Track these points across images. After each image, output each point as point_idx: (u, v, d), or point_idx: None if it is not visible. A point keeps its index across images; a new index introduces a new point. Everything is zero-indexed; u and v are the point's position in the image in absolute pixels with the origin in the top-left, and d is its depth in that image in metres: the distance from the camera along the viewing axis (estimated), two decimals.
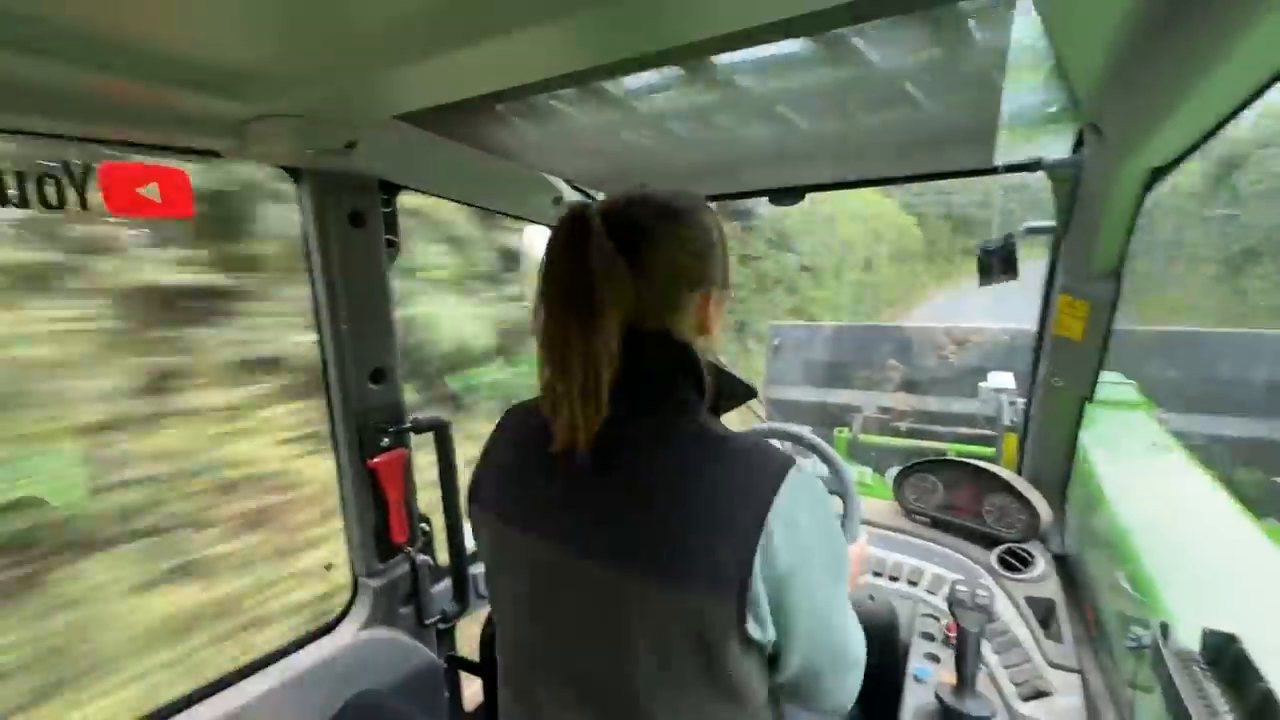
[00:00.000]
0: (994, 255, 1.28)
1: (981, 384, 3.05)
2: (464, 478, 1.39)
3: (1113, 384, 2.65)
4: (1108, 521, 1.34)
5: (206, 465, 2.46)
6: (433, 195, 1.38)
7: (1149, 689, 0.82)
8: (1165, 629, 0.80)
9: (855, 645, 0.71)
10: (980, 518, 1.48)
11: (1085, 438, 1.43)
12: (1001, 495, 1.46)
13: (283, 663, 1.19)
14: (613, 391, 0.62)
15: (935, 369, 5.08)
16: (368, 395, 1.27)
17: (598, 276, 0.60)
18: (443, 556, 1.44)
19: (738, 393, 0.74)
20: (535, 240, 1.67)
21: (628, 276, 0.62)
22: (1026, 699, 1.04)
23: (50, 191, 0.87)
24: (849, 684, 0.72)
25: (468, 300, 3.96)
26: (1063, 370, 1.33)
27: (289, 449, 2.74)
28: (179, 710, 1.05)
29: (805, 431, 1.33)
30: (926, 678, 1.11)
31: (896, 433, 4.67)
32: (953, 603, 1.02)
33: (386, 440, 1.30)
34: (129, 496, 2.25)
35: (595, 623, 0.63)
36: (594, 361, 0.61)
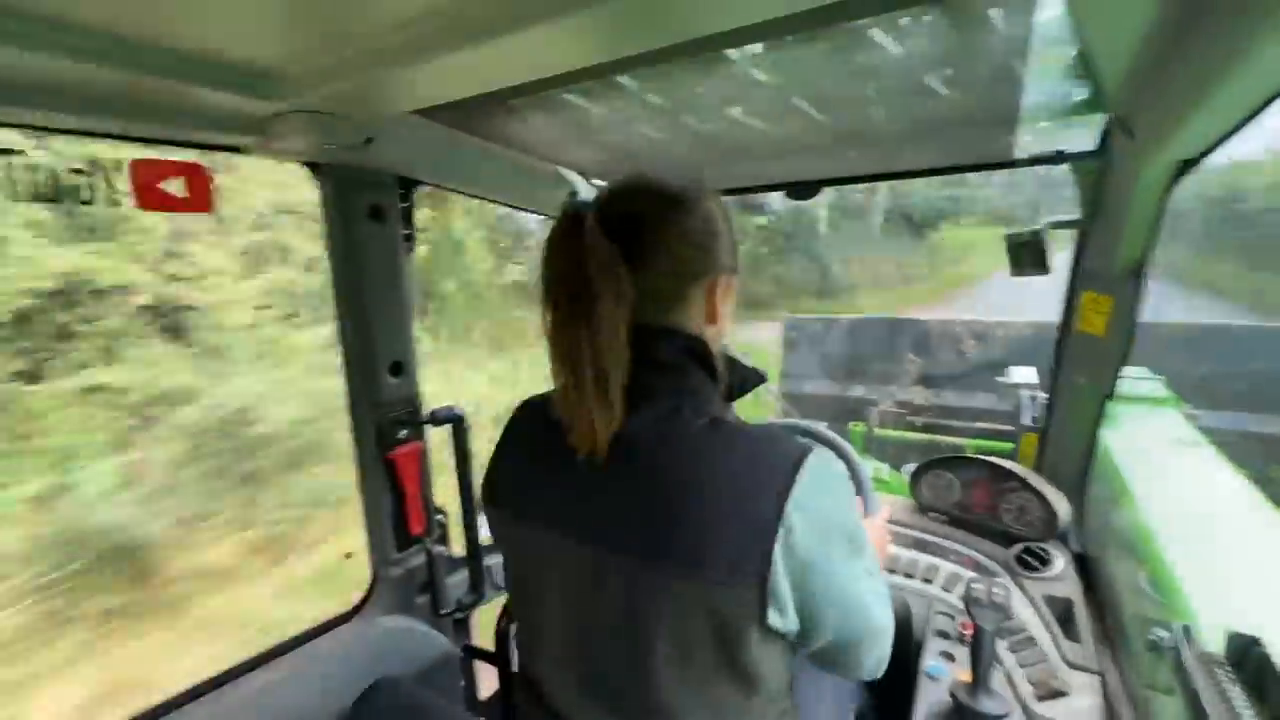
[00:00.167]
0: (1024, 247, 1.26)
1: (1001, 379, 3.00)
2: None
3: (1139, 379, 2.59)
4: (1130, 520, 1.31)
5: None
6: (448, 189, 1.39)
7: (1170, 691, 0.81)
8: (1188, 631, 0.79)
9: (882, 614, 0.70)
10: (998, 515, 1.46)
11: (1109, 434, 1.41)
12: (1020, 493, 1.44)
13: (303, 649, 1.22)
14: (626, 388, 0.62)
15: (954, 363, 5.01)
16: (386, 388, 1.29)
17: (595, 276, 0.59)
18: (459, 547, 1.46)
19: (749, 379, 0.74)
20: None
21: (627, 274, 0.61)
22: (1043, 699, 1.03)
23: (83, 187, 0.89)
24: (879, 651, 0.72)
25: None
26: (1085, 367, 1.30)
27: None
28: (201, 694, 1.09)
29: (813, 424, 1.32)
30: (941, 675, 1.10)
31: (913, 427, 4.62)
32: (968, 600, 1.02)
33: (404, 432, 1.32)
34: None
35: (612, 614, 0.64)
36: (603, 363, 0.60)
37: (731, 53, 0.84)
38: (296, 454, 4.50)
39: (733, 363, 0.71)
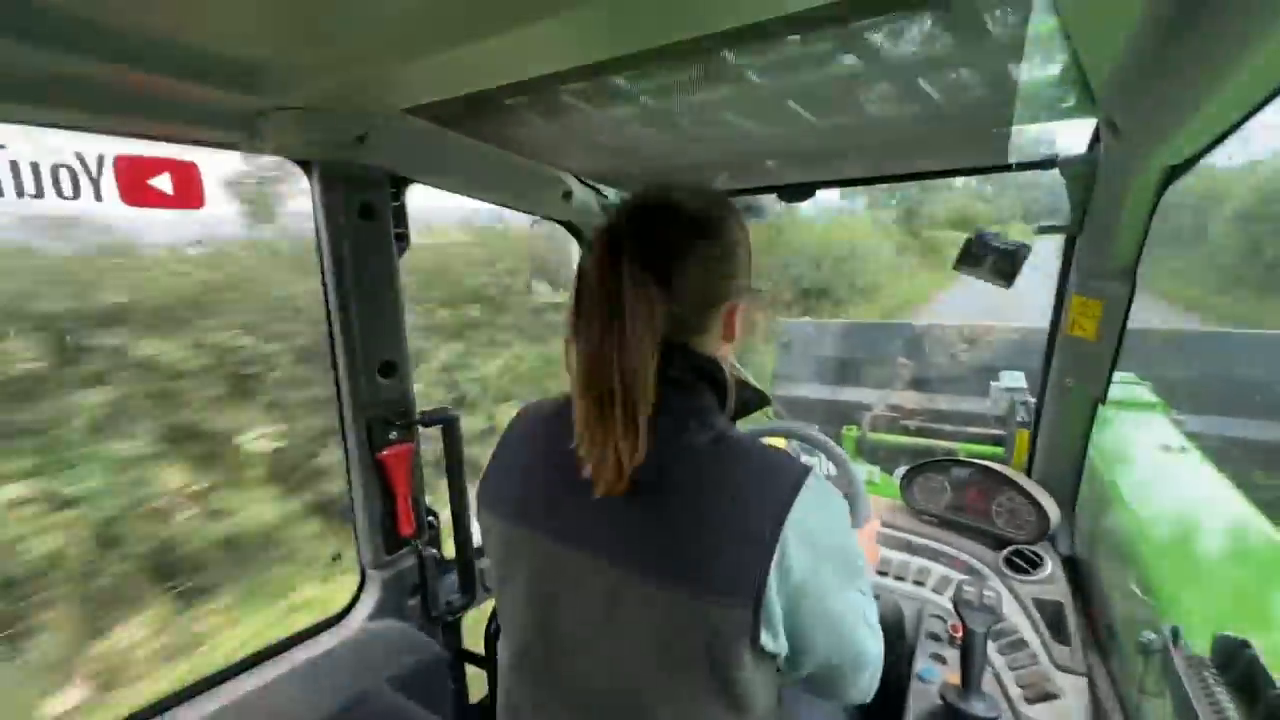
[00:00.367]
0: (990, 251, 1.23)
1: (993, 383, 3.02)
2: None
3: (1126, 384, 2.62)
4: (1119, 524, 1.32)
5: None
6: (442, 189, 1.38)
7: (1158, 694, 0.81)
8: (1176, 633, 0.79)
9: (872, 643, 0.71)
10: (989, 518, 1.47)
11: (1097, 439, 1.42)
12: (1011, 496, 1.44)
13: (290, 652, 1.20)
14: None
15: (946, 367, 5.04)
16: (377, 388, 1.27)
17: (631, 304, 0.60)
18: (449, 549, 1.45)
19: (752, 401, 0.75)
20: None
21: (662, 299, 0.62)
22: (1032, 701, 1.03)
23: (66, 182, 0.88)
24: (866, 679, 0.72)
25: None
26: (1075, 371, 1.31)
27: None
28: (187, 698, 1.07)
29: (805, 427, 1.32)
30: (932, 678, 1.10)
31: (906, 431, 4.63)
32: (959, 603, 1.02)
33: (395, 433, 1.31)
34: None
35: (603, 626, 0.63)
36: (632, 389, 0.59)
37: (727, 54, 0.84)
38: None
39: (741, 384, 0.72)
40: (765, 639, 0.58)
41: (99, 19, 0.69)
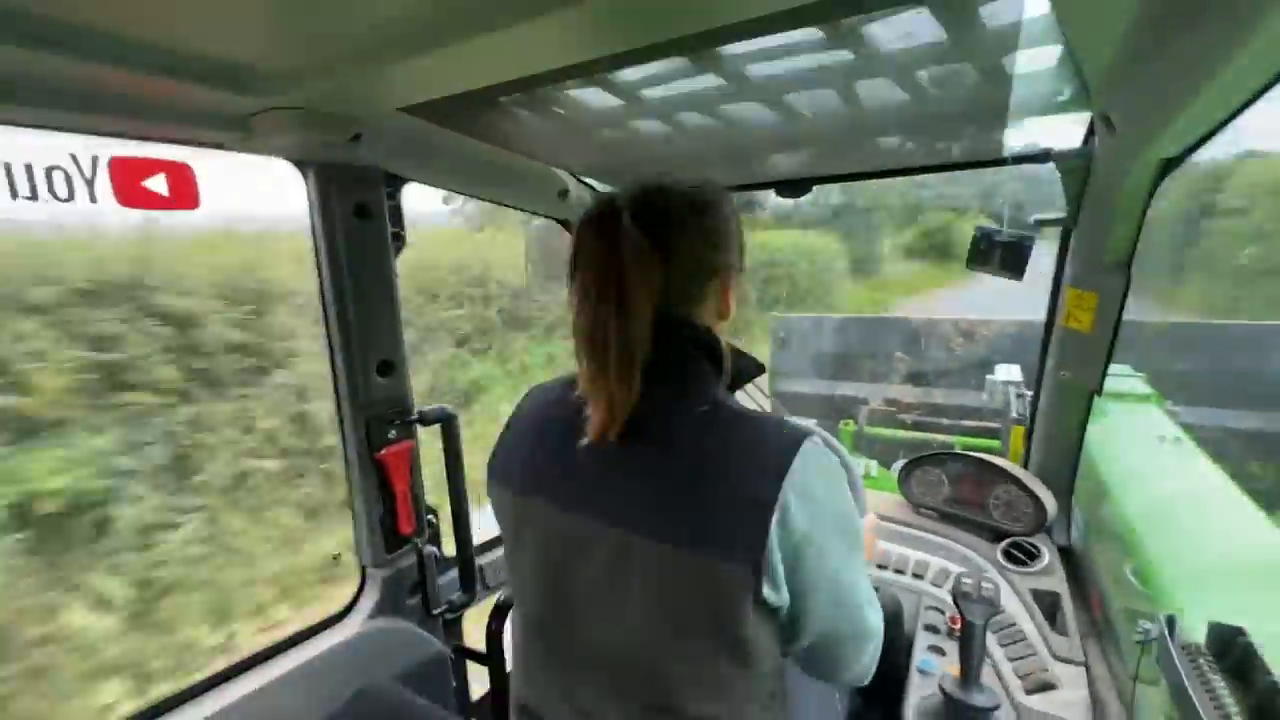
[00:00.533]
0: (997, 246, 1.24)
1: (989, 376, 3.03)
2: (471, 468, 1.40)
3: (1122, 376, 2.63)
4: (1115, 514, 1.33)
5: None
6: (438, 187, 1.38)
7: (1154, 682, 0.82)
8: (1171, 622, 0.80)
9: (873, 615, 0.72)
10: (986, 511, 1.47)
11: (1093, 430, 1.43)
12: (1008, 488, 1.45)
13: (291, 652, 1.20)
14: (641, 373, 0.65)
15: (942, 361, 5.06)
16: (375, 387, 1.27)
17: (629, 266, 0.63)
18: (450, 547, 1.45)
19: (748, 370, 0.78)
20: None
21: (657, 265, 0.65)
22: (1031, 692, 1.04)
23: (60, 184, 0.88)
24: (867, 654, 0.74)
25: None
26: (1071, 363, 1.32)
27: None
28: (188, 699, 1.07)
29: (802, 422, 1.33)
30: (931, 670, 1.11)
31: (902, 425, 4.65)
32: (957, 595, 1.02)
33: (394, 432, 1.31)
34: None
35: (614, 587, 0.66)
36: (631, 346, 0.63)
37: (722, 49, 0.84)
38: None
39: (737, 354, 0.75)
40: (768, 592, 0.60)
41: (91, 21, 0.69)
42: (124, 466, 2.89)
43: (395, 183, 1.29)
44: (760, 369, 0.79)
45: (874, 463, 2.61)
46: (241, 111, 0.97)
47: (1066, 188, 1.19)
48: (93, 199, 0.91)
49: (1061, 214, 1.23)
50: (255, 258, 3.78)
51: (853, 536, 0.68)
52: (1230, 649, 0.73)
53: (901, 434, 4.51)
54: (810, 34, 0.78)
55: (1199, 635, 0.78)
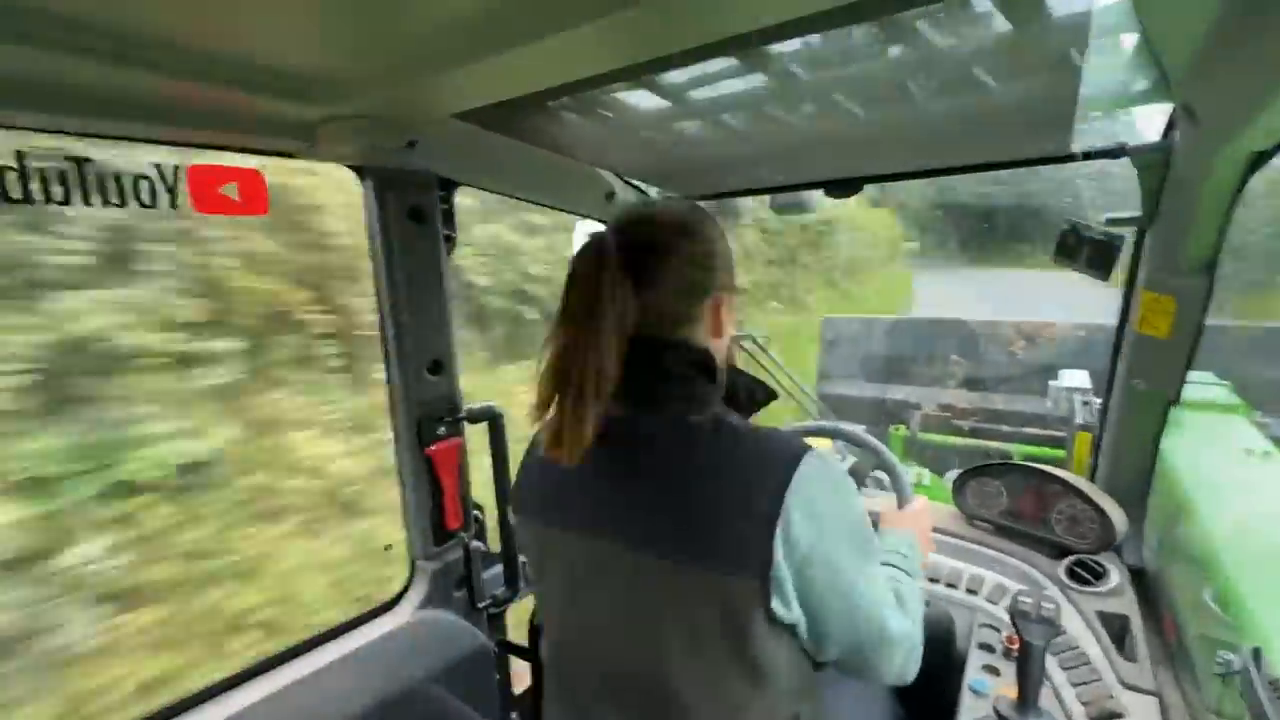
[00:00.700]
0: (1085, 241, 1.19)
1: (1052, 382, 2.87)
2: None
3: (1203, 384, 2.44)
4: (1194, 534, 1.24)
5: None
6: (489, 191, 1.42)
7: (1236, 717, 0.76)
8: (1258, 654, 0.74)
9: (895, 620, 0.71)
10: (1048, 526, 1.40)
11: (1169, 442, 1.33)
12: (1072, 503, 1.37)
13: (341, 639, 1.25)
14: (630, 392, 0.67)
15: (1002, 365, 4.83)
16: (426, 385, 1.31)
17: (604, 293, 0.65)
18: (494, 542, 1.48)
19: (758, 395, 0.78)
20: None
21: (632, 296, 0.66)
22: (1095, 719, 0.98)
23: (145, 192, 0.94)
24: (897, 659, 0.72)
25: None
26: (1145, 371, 1.24)
27: None
28: (241, 682, 1.12)
29: (847, 426, 1.30)
30: (984, 690, 1.06)
31: (958, 432, 4.46)
32: (1015, 614, 0.98)
33: (443, 429, 1.35)
34: None
35: (627, 608, 0.67)
36: (601, 368, 0.64)
37: (771, 48, 0.82)
38: None
39: (738, 373, 0.76)
40: (778, 607, 0.61)
41: (168, 38, 0.73)
42: None
43: (448, 186, 1.33)
44: (771, 395, 0.80)
45: (925, 470, 2.51)
46: (308, 120, 1.02)
47: (1143, 184, 1.12)
48: (174, 205, 0.97)
49: (1136, 213, 1.16)
50: None
51: (863, 545, 0.68)
52: None
53: (956, 440, 4.33)
54: (862, 30, 0.76)
55: None
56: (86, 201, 0.88)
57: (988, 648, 1.17)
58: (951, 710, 1.05)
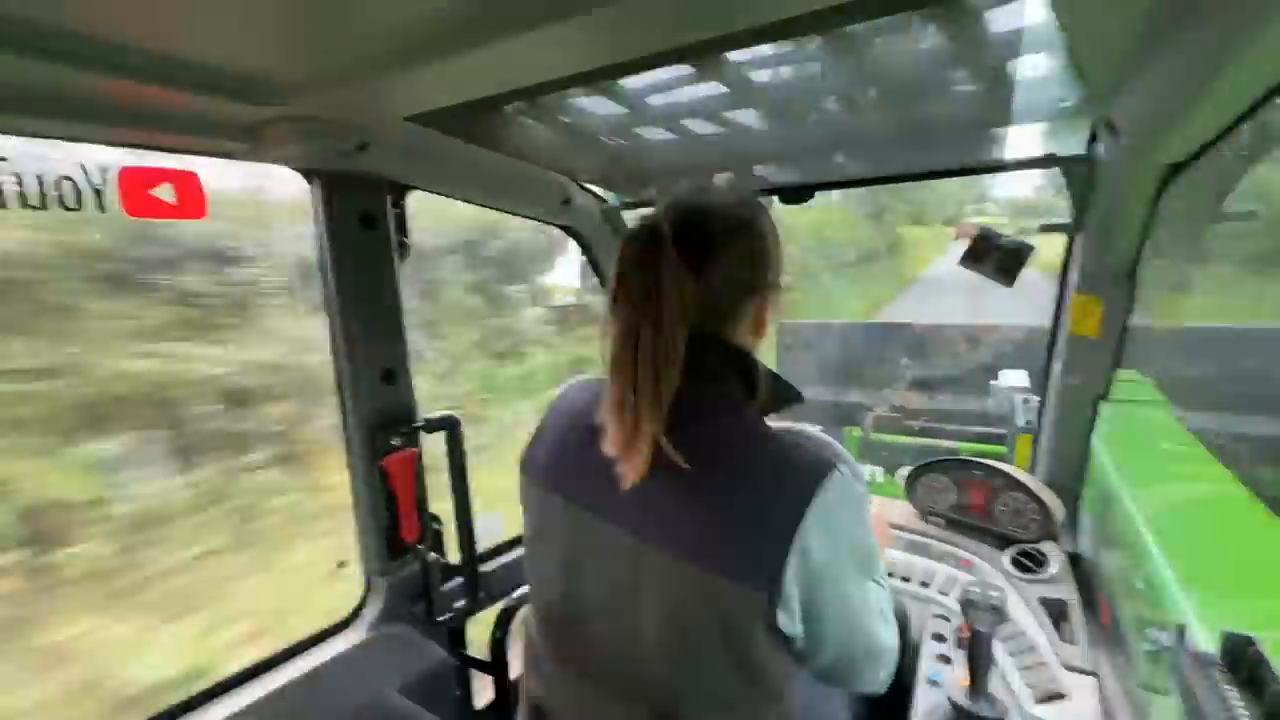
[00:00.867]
0: (995, 248, 1.24)
1: (994, 382, 3.01)
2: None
3: (1129, 382, 2.61)
4: (1123, 520, 1.32)
5: None
6: (443, 195, 1.39)
7: (1166, 692, 0.81)
8: (1183, 631, 0.79)
9: (887, 633, 0.73)
10: (993, 518, 1.46)
11: (1100, 436, 1.41)
12: (1015, 495, 1.44)
13: (296, 660, 1.20)
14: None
15: (948, 367, 5.04)
16: (379, 395, 1.28)
17: (667, 287, 0.62)
18: (454, 555, 1.44)
19: (789, 397, 0.77)
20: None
21: (694, 288, 0.64)
22: (1040, 701, 1.03)
23: (69, 193, 0.88)
24: (882, 671, 0.74)
25: None
26: (1077, 369, 1.31)
27: None
28: (193, 708, 1.07)
29: (805, 427, 1.32)
30: (938, 679, 1.10)
31: (909, 431, 4.62)
32: (965, 603, 1.01)
33: (398, 440, 1.31)
34: None
35: (625, 595, 0.67)
36: (662, 367, 0.63)
37: (726, 56, 0.84)
38: None
39: (776, 380, 0.74)
40: (783, 620, 0.60)
41: (100, 33, 0.69)
42: None
43: (400, 191, 1.29)
44: (798, 397, 0.78)
45: (879, 469, 2.59)
46: (250, 121, 0.98)
47: (1071, 193, 1.19)
48: (100, 208, 0.91)
49: (1066, 220, 1.23)
50: None
51: (867, 562, 0.69)
52: (1243, 659, 0.72)
53: (907, 440, 4.48)
54: (812, 42, 0.79)
55: (1211, 645, 0.76)
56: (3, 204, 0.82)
57: (940, 638, 1.21)
58: (907, 699, 1.08)
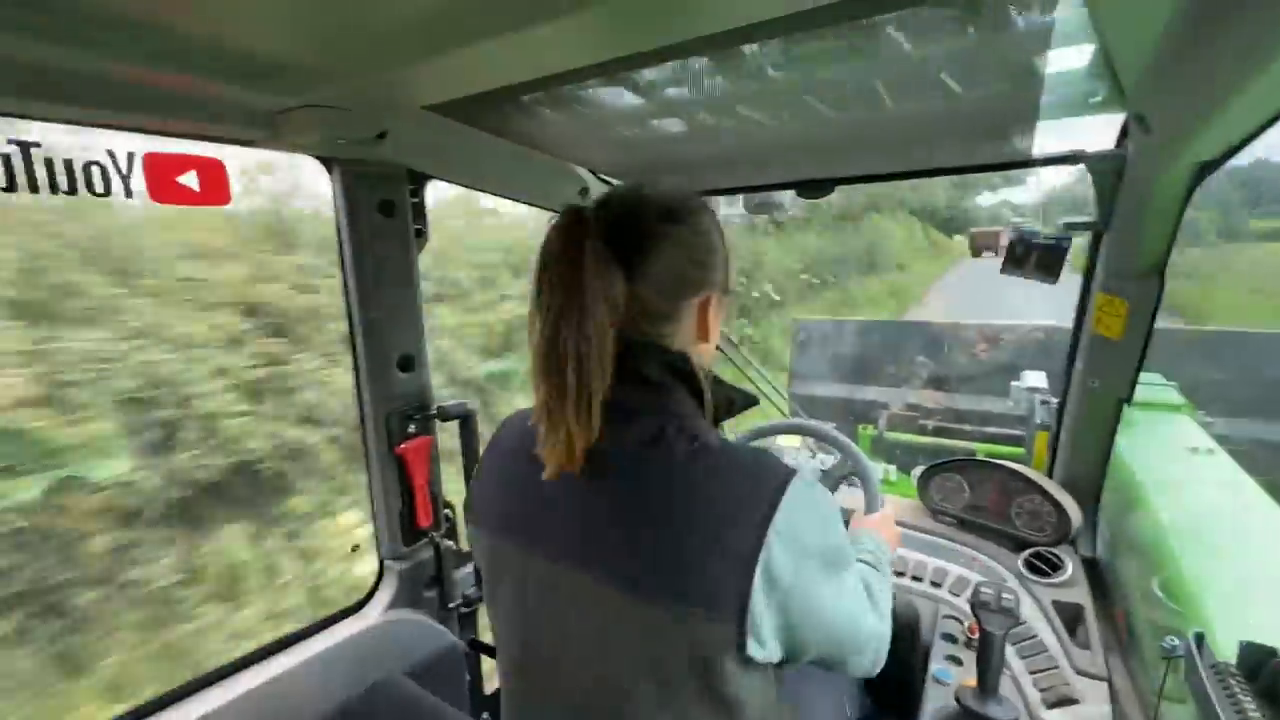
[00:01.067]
0: (1033, 248, 1.23)
1: (1014, 382, 2.97)
2: None
3: (1152, 385, 2.56)
4: (1143, 526, 1.30)
5: None
6: (460, 185, 1.39)
7: (1181, 700, 0.80)
8: (1201, 639, 0.77)
9: (869, 621, 0.69)
10: (1008, 519, 1.45)
11: (1122, 440, 1.39)
12: (1031, 497, 1.42)
13: (309, 641, 1.23)
14: (607, 403, 0.60)
15: (965, 366, 4.98)
16: (396, 382, 1.29)
17: (590, 282, 0.58)
18: (465, 542, 1.46)
19: (738, 402, 0.73)
20: None
21: (623, 282, 0.60)
22: (1051, 706, 1.02)
23: (98, 179, 0.90)
24: (869, 657, 0.71)
25: None
26: (1100, 371, 1.29)
27: None
28: (205, 686, 1.09)
29: (819, 424, 1.31)
30: (947, 680, 1.09)
31: (923, 430, 4.59)
32: (976, 605, 1.01)
33: (413, 427, 1.33)
34: None
35: (590, 639, 0.62)
36: (588, 372, 0.58)
37: (744, 48, 0.83)
38: None
39: (719, 383, 0.70)
40: (753, 648, 0.57)
41: (122, 17, 0.70)
42: None
43: (418, 180, 1.30)
44: (751, 401, 0.74)
45: (893, 467, 2.57)
46: (271, 109, 0.99)
47: (1098, 190, 1.16)
48: (128, 193, 0.93)
49: (1092, 218, 1.20)
50: None
51: (838, 560, 0.64)
52: (1262, 669, 0.71)
53: (922, 439, 4.45)
54: (834, 33, 0.77)
55: (1229, 654, 0.75)
56: (33, 189, 0.84)
57: (950, 638, 1.20)
58: (916, 699, 1.08)
